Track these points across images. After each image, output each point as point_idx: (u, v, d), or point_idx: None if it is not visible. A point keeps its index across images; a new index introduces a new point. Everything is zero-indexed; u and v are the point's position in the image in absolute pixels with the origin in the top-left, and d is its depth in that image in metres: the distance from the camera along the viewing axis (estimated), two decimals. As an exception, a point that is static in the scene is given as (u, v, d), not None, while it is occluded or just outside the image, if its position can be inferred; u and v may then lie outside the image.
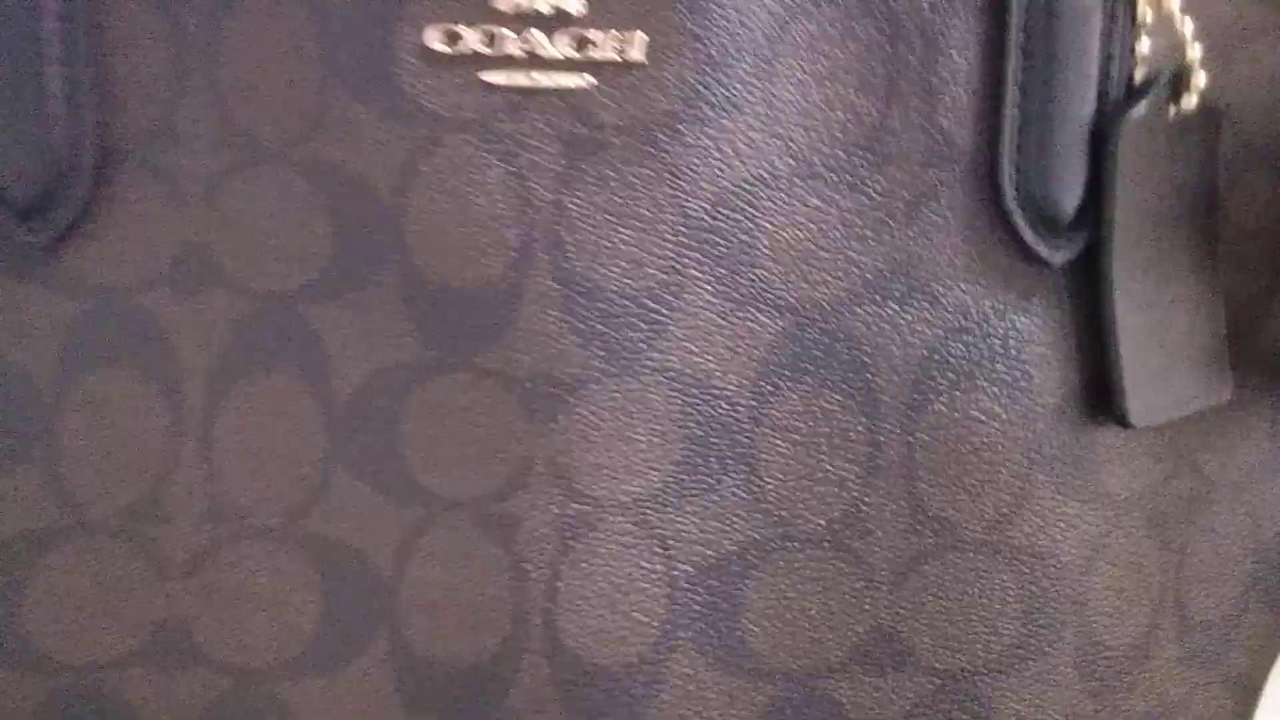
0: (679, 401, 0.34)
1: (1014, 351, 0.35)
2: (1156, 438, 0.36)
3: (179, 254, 0.34)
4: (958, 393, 0.35)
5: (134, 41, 0.33)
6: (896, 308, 0.34)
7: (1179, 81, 0.34)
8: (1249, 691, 0.41)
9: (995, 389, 0.35)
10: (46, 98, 0.32)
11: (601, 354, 0.33)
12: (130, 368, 0.34)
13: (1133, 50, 0.33)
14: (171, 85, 0.33)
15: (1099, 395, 0.35)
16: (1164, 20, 0.33)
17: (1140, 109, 0.33)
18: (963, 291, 0.35)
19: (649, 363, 0.33)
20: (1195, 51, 0.33)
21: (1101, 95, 0.33)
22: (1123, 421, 0.35)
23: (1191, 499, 0.37)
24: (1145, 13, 0.33)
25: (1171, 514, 0.37)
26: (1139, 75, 0.33)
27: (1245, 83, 0.36)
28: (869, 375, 0.35)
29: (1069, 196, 0.34)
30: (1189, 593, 0.38)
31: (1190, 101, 0.34)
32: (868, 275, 0.34)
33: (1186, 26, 0.33)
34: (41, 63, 0.32)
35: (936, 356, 0.35)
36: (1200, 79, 0.34)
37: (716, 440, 0.34)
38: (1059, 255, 0.34)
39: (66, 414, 0.34)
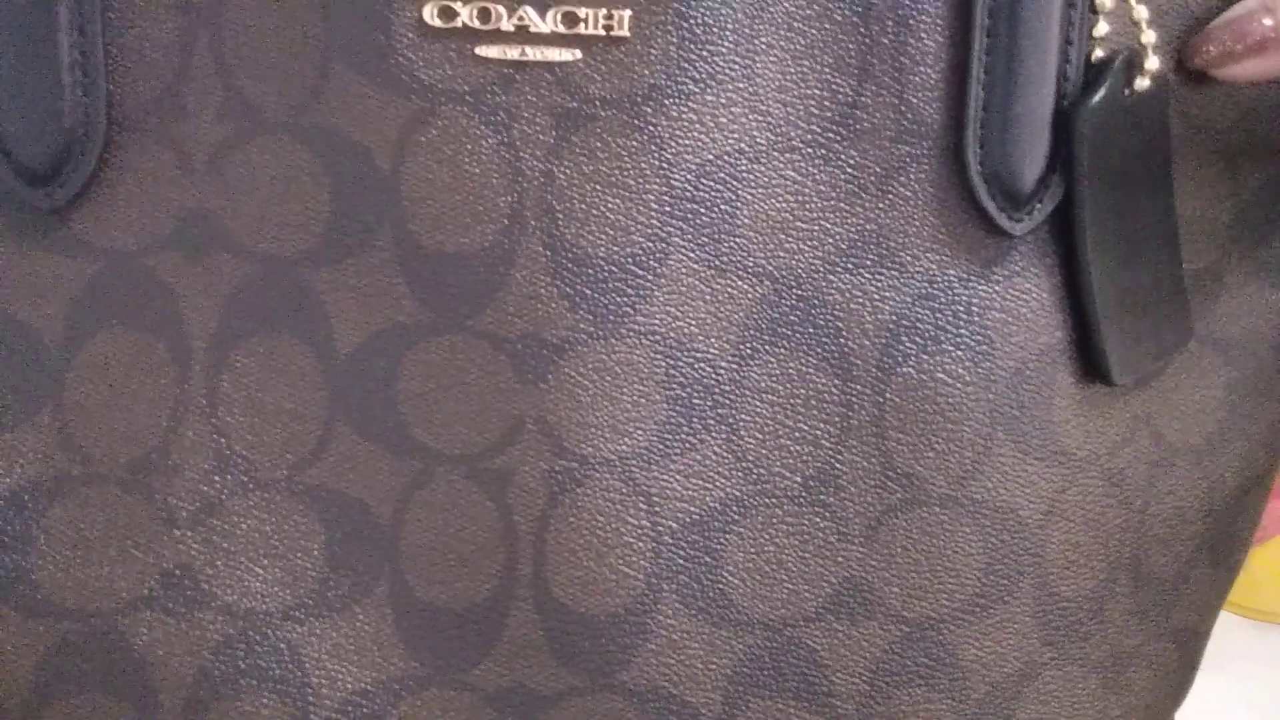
0: (663, 364, 0.34)
1: (977, 317, 0.35)
2: (1111, 401, 0.36)
3: (184, 219, 0.34)
4: (925, 356, 0.35)
5: (143, 13, 0.33)
6: (868, 276, 0.35)
7: (1132, 66, 0.34)
8: (1195, 640, 0.41)
9: (959, 353, 0.35)
10: (59, 67, 0.32)
11: (589, 317, 0.33)
12: (137, 327, 0.34)
13: (1090, 34, 0.34)
14: (179, 56, 0.33)
15: (1083, 357, 0.35)
16: (1120, 5, 0.34)
17: (1099, 97, 0.33)
18: (930, 261, 0.35)
19: (634, 326, 0.34)
20: (1149, 36, 0.34)
21: (1060, 76, 0.34)
22: (1106, 379, 0.35)
23: (1154, 463, 0.38)
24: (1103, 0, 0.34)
25: (1131, 475, 0.37)
26: (1097, 55, 0.34)
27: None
28: (842, 340, 0.35)
29: (1030, 171, 0.34)
30: (1146, 550, 0.38)
31: (1143, 84, 0.34)
32: (841, 245, 0.34)
33: (1141, 12, 0.33)
34: (55, 33, 0.32)
35: (905, 322, 0.35)
36: (1154, 62, 0.34)
37: (699, 401, 0.34)
38: (1020, 226, 0.35)
39: (76, 371, 0.34)
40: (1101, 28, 0.34)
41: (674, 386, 0.34)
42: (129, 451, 0.34)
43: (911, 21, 0.34)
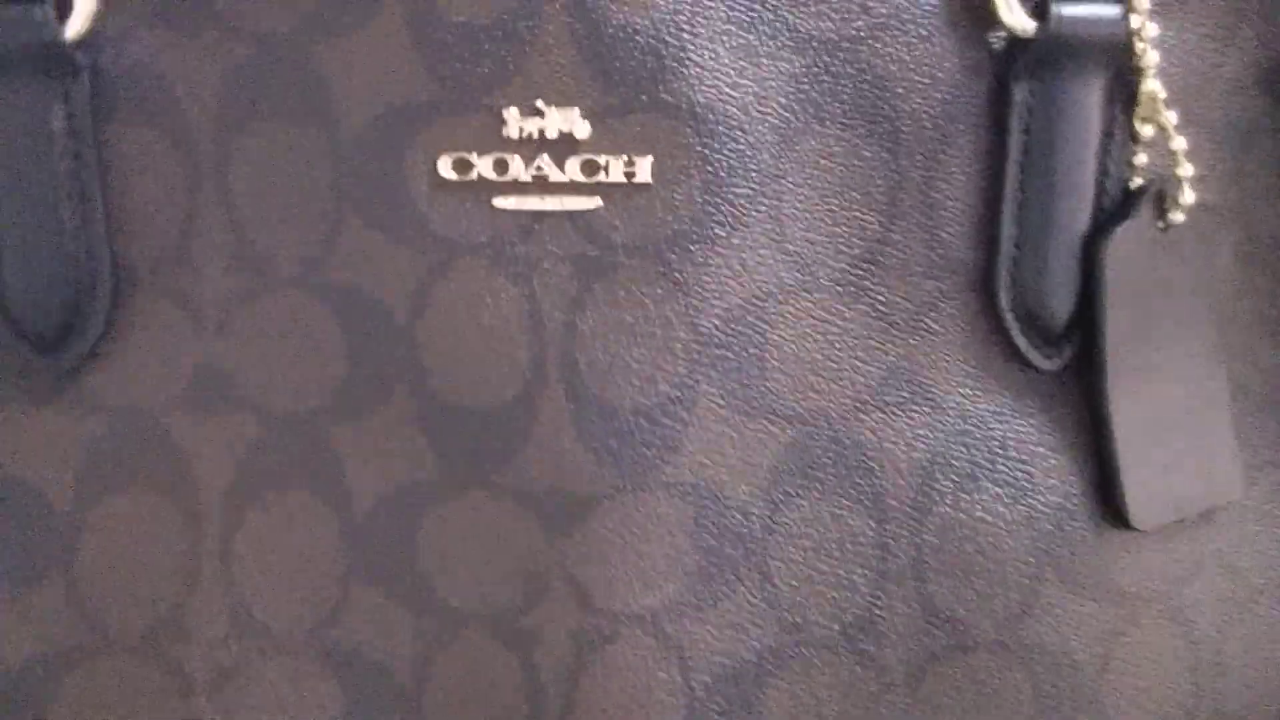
0: (692, 513, 0.32)
1: (1014, 453, 0.33)
2: (1173, 534, 0.34)
3: (196, 376, 0.32)
4: (962, 494, 0.33)
5: (145, 168, 0.31)
6: (900, 414, 0.33)
7: (1166, 197, 0.32)
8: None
9: (998, 489, 0.33)
10: (61, 234, 0.31)
11: (615, 470, 0.32)
12: (149, 489, 0.32)
13: (1130, 163, 0.32)
14: (184, 210, 0.31)
15: (1103, 497, 0.34)
16: (1160, 135, 0.32)
17: (1124, 227, 0.32)
18: (962, 397, 0.33)
19: (662, 476, 0.32)
20: (1186, 170, 0.32)
21: (1097, 208, 0.32)
22: (1125, 523, 0.33)
23: (1228, 600, 0.35)
24: (1143, 130, 0.32)
25: (1200, 614, 0.35)
26: (1135, 183, 0.32)
27: (1254, 181, 0.35)
28: (876, 480, 0.33)
29: (1062, 306, 0.32)
30: (1224, 698, 0.36)
31: (1177, 218, 0.32)
32: (872, 383, 0.33)
33: (1179, 143, 0.32)
34: (55, 200, 0.31)
35: (940, 460, 0.33)
36: (1188, 196, 0.32)
37: (730, 550, 0.33)
38: (1052, 362, 0.33)
39: (85, 535, 0.32)
40: (1140, 158, 0.32)
41: (704, 535, 0.32)
42: (143, 618, 0.32)
43: (942, 156, 0.32)
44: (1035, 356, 0.32)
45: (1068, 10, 0.31)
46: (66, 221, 0.31)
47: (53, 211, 0.31)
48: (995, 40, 0.31)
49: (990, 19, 0.31)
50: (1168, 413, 0.33)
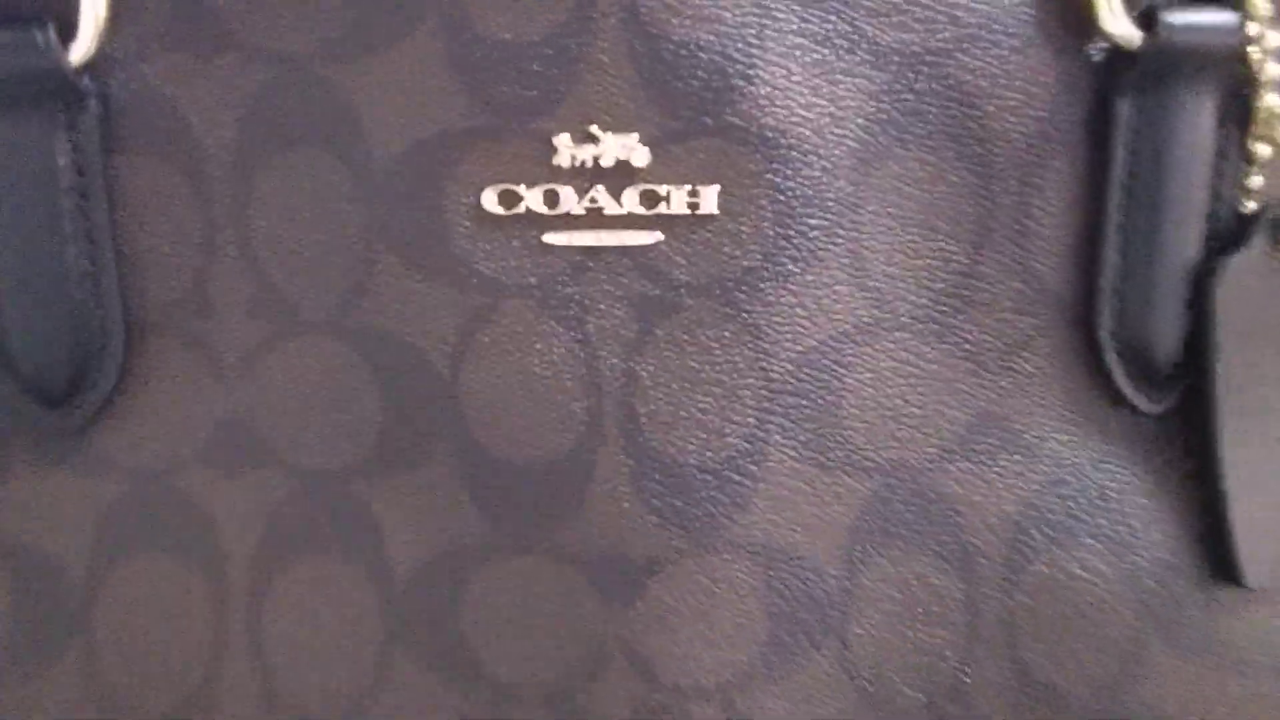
0: (764, 576, 0.29)
1: (1114, 504, 0.30)
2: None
3: (217, 430, 0.29)
4: (1057, 550, 0.30)
5: (156, 207, 0.28)
6: (990, 463, 0.30)
7: (1289, 222, 0.30)
8: None
9: (1097, 544, 0.30)
10: (68, 279, 0.28)
11: (680, 531, 0.29)
12: (170, 555, 0.29)
13: (1244, 186, 0.29)
14: (200, 250, 0.28)
15: (1212, 551, 0.31)
16: (1278, 155, 0.29)
17: (1241, 254, 0.29)
18: (1058, 443, 0.30)
19: (731, 537, 0.29)
20: (1311, 192, 0.29)
21: (1208, 236, 0.29)
22: (1237, 581, 0.31)
23: None
24: (1259, 150, 0.28)
25: None
26: (1249, 209, 0.29)
27: None
28: (964, 536, 0.30)
29: (1169, 343, 0.29)
30: None
31: (1297, 245, 0.30)
32: (959, 430, 0.30)
33: (1303, 163, 0.29)
34: (60, 242, 0.28)
35: (1033, 513, 0.30)
36: (1313, 220, 0.30)
37: (805, 615, 0.30)
38: (1157, 405, 0.30)
39: (103, 606, 0.29)
40: (1256, 180, 0.29)
41: (777, 600, 0.29)
42: (166, 697, 0.29)
43: (1036, 179, 0.29)
44: (1138, 398, 0.29)
45: (1178, 18, 0.28)
46: (73, 265, 0.28)
47: (58, 254, 0.28)
48: (1096, 52, 0.28)
49: (1091, 28, 0.28)
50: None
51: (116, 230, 0.28)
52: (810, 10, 0.28)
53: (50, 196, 0.28)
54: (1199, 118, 0.28)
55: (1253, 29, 0.28)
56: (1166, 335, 0.29)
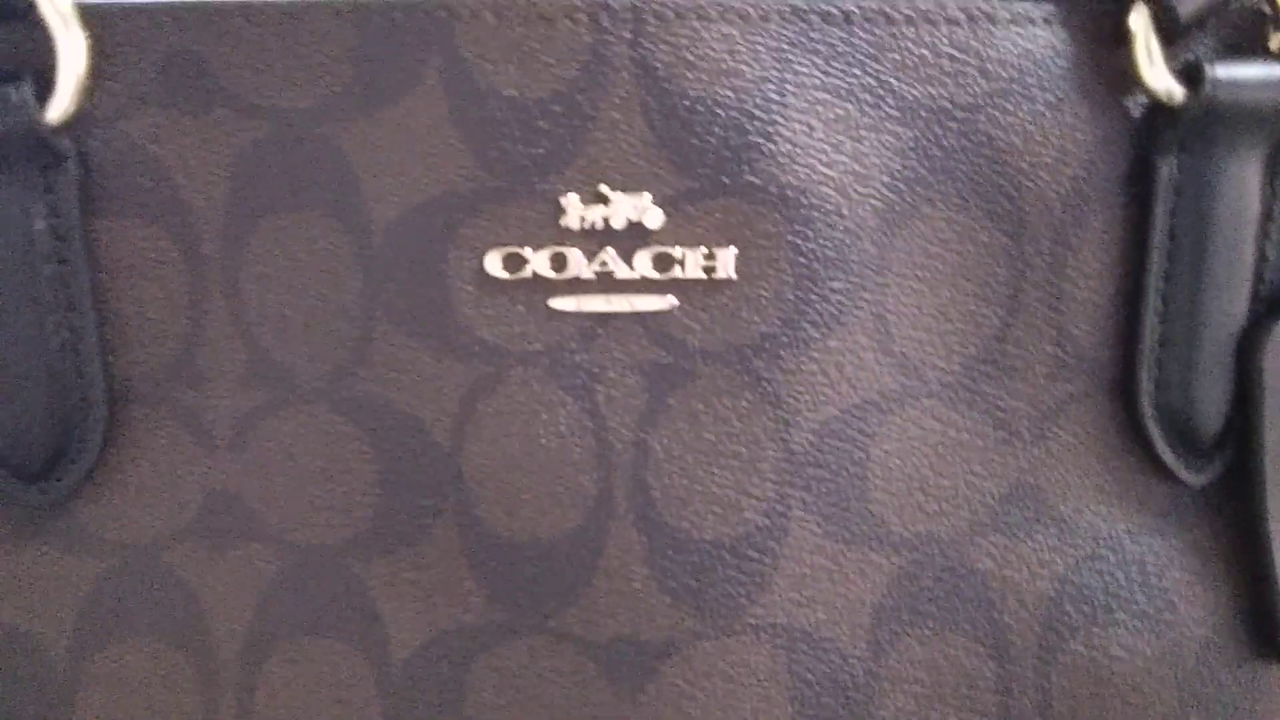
0: (785, 659, 0.27)
1: (1154, 579, 0.28)
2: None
3: (206, 504, 0.27)
4: (1095, 628, 0.28)
5: (141, 271, 0.27)
6: (1023, 537, 0.28)
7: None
8: None
9: (1136, 622, 0.29)
10: (47, 350, 0.26)
11: (694, 613, 0.27)
12: (156, 636, 0.27)
13: (1292, 247, 0.28)
14: (189, 317, 0.27)
15: (1257, 628, 0.29)
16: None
17: (1290, 318, 0.28)
18: (1094, 515, 0.28)
19: (750, 619, 0.27)
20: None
21: (1254, 300, 0.27)
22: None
23: None
24: (1310, 208, 0.27)
25: None
26: (1297, 273, 0.28)
27: None
28: (996, 614, 0.28)
29: (1214, 413, 0.28)
30: None
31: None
32: (990, 502, 0.28)
33: (1355, 224, 0.27)
34: (39, 311, 0.26)
35: (1069, 589, 0.28)
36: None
37: (829, 700, 0.28)
38: (1200, 476, 0.28)
39: (85, 690, 0.28)
40: (1306, 241, 0.28)
41: (799, 685, 0.27)
42: None
43: (1073, 240, 0.27)
44: (1181, 470, 0.28)
45: (1224, 72, 0.26)
46: (52, 334, 0.26)
47: (37, 325, 0.26)
48: (1136, 107, 0.27)
49: (1131, 83, 0.27)
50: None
51: (99, 297, 0.26)
52: (833, 64, 0.26)
53: (28, 262, 0.26)
54: (1245, 176, 0.27)
55: (1302, 82, 0.27)
56: (1210, 403, 0.28)
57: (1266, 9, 0.27)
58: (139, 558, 0.27)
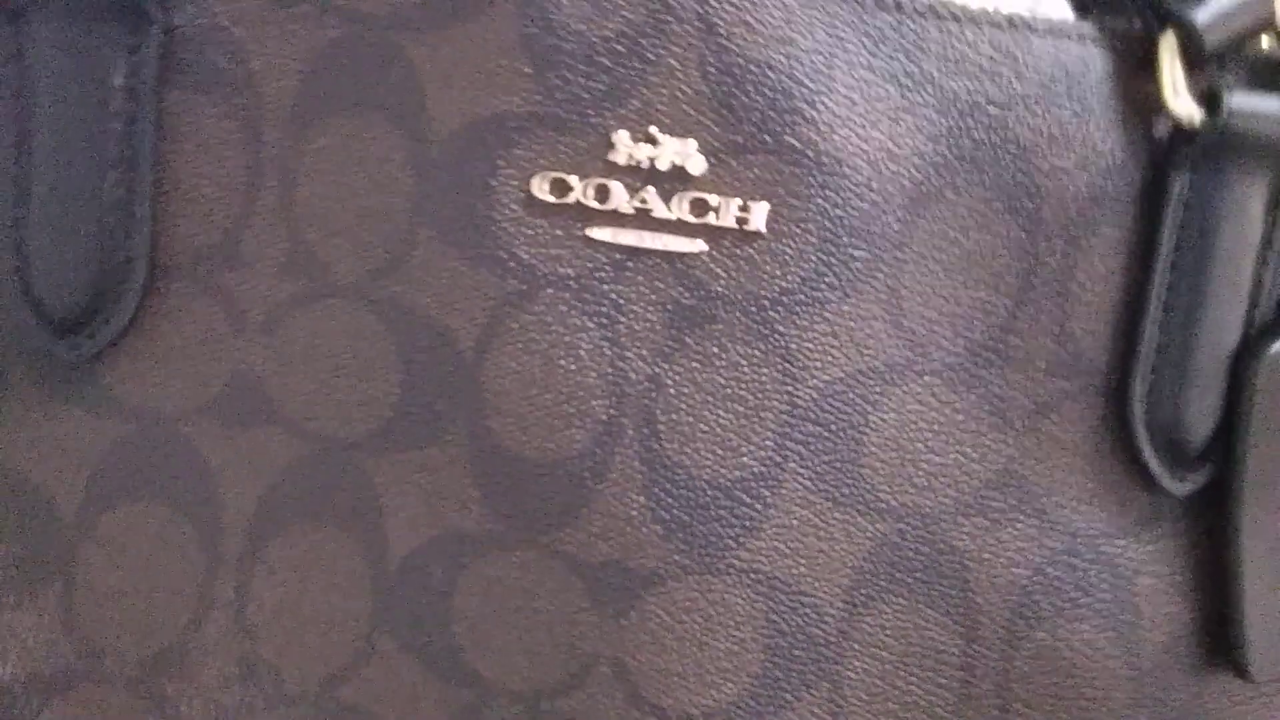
0: (763, 606, 0.28)
1: (1124, 581, 0.29)
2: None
3: (230, 383, 0.28)
4: (1061, 620, 0.29)
5: (204, 149, 0.28)
6: (1005, 523, 0.29)
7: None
8: None
9: (1100, 620, 0.29)
10: (101, 202, 0.27)
11: (684, 547, 0.28)
12: (165, 503, 0.28)
13: (1290, 274, 0.29)
14: (241, 200, 0.28)
15: (1217, 639, 0.30)
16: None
17: (1278, 346, 0.29)
18: (1075, 511, 0.29)
19: (735, 561, 0.28)
20: (1358, 286, 0.29)
21: (1248, 321, 0.29)
22: (1242, 673, 0.30)
23: None
24: (1309, 238, 0.29)
25: None
26: (1292, 300, 0.29)
27: None
28: (969, 594, 0.29)
29: (1202, 425, 0.29)
30: None
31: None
32: (977, 484, 0.29)
33: (1352, 257, 0.29)
34: (100, 163, 0.27)
35: (1041, 579, 0.29)
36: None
37: (800, 652, 0.29)
38: (1182, 486, 0.29)
39: (90, 547, 0.28)
40: (1302, 269, 0.29)
41: (773, 634, 0.28)
42: (142, 647, 0.28)
43: (1085, 242, 0.29)
44: (1164, 477, 0.29)
45: (1240, 102, 0.28)
46: (109, 190, 0.27)
47: (96, 175, 0.27)
48: (1157, 126, 0.29)
49: (1154, 103, 0.28)
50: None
51: (159, 163, 0.27)
52: (880, 46, 0.28)
53: (99, 117, 0.27)
54: (1249, 202, 0.28)
55: (1314, 123, 0.28)
56: (1200, 416, 0.29)
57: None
58: (158, 426, 0.28)
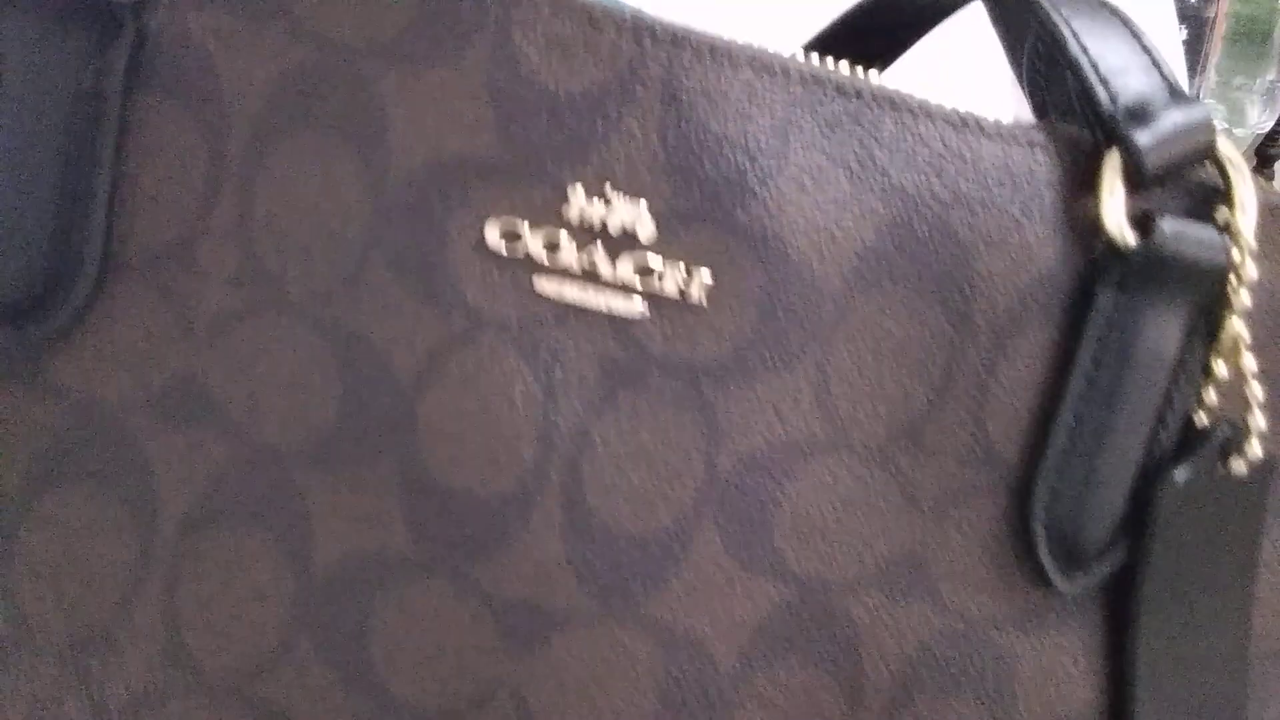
0: (663, 659, 0.29)
1: (1005, 669, 0.31)
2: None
3: (173, 382, 0.29)
4: (940, 695, 0.30)
5: (166, 154, 0.28)
6: (900, 600, 0.30)
7: (1231, 445, 0.30)
8: None
9: (977, 702, 0.31)
10: (60, 195, 0.28)
11: (595, 593, 0.29)
12: (105, 488, 0.29)
13: (1199, 399, 0.30)
14: (199, 208, 0.28)
15: None
16: (1236, 379, 0.30)
17: (1185, 468, 0.29)
18: (968, 598, 0.30)
19: (642, 613, 0.29)
20: (1258, 421, 0.30)
21: (1153, 438, 0.30)
22: None
23: None
24: (1219, 368, 0.30)
25: None
26: (1200, 421, 0.30)
27: None
28: (859, 664, 0.30)
29: (1098, 532, 0.30)
30: None
31: (1240, 468, 0.30)
32: (879, 562, 0.30)
33: (1256, 393, 0.30)
34: (62, 158, 0.28)
35: (928, 658, 0.30)
36: (1256, 448, 0.30)
37: (694, 704, 0.30)
38: (1072, 585, 0.30)
39: (29, 524, 0.29)
40: (1210, 396, 0.30)
41: (669, 684, 0.29)
42: (72, 625, 0.29)
43: (1010, 344, 0.30)
44: (1056, 576, 0.30)
45: (1171, 226, 0.29)
46: (68, 184, 0.28)
47: (58, 171, 0.28)
48: (1091, 240, 0.29)
49: (1091, 218, 0.29)
50: (1193, 650, 0.31)
51: (120, 164, 0.28)
52: (835, 131, 0.29)
53: (63, 112, 0.27)
54: (1168, 325, 0.29)
55: (1236, 256, 0.29)
56: (1097, 524, 0.30)
57: (1220, 184, 0.30)
58: (101, 415, 0.29)
